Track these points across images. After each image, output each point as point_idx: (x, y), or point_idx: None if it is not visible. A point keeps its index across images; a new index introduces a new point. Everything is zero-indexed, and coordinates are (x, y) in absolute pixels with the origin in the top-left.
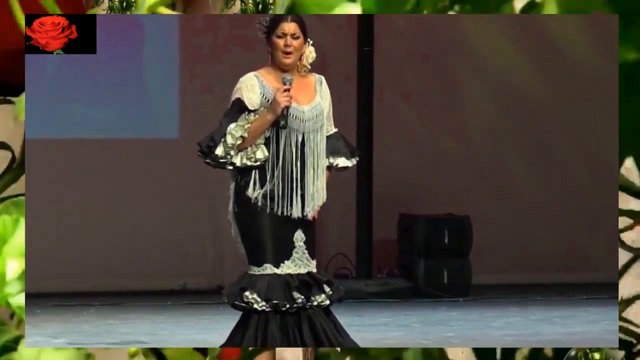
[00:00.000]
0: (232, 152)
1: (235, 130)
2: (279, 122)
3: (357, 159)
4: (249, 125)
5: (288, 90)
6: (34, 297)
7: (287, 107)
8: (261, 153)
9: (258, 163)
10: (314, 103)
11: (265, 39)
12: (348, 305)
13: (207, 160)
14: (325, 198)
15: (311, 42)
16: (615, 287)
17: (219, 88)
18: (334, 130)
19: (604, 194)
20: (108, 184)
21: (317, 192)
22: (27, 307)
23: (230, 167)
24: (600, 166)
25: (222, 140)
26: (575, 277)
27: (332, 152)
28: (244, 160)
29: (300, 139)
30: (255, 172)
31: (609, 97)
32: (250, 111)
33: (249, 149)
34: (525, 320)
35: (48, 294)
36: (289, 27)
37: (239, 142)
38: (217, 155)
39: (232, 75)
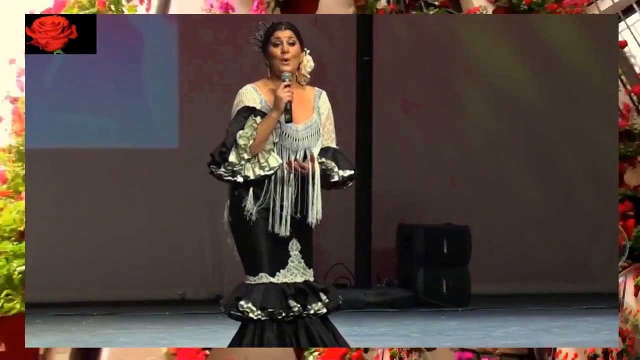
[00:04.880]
0: (245, 156)
1: (245, 133)
2: (284, 117)
3: (351, 172)
4: (257, 125)
5: (288, 85)
6: (33, 307)
7: (290, 102)
8: (274, 161)
9: (272, 172)
10: (309, 122)
11: (262, 52)
12: (347, 315)
13: (219, 172)
14: (320, 217)
15: (308, 51)
16: (614, 297)
17: (219, 98)
18: (334, 145)
19: (603, 203)
20: (108, 193)
21: (312, 209)
22: (27, 316)
23: (241, 180)
24: (600, 176)
25: (234, 145)
26: (575, 287)
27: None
28: (258, 171)
29: (293, 158)
30: (251, 189)
31: (609, 104)
32: (256, 115)
33: (261, 157)
34: (525, 329)
35: (48, 304)
36: (284, 33)
37: (250, 142)
38: (230, 162)
39: (232, 85)
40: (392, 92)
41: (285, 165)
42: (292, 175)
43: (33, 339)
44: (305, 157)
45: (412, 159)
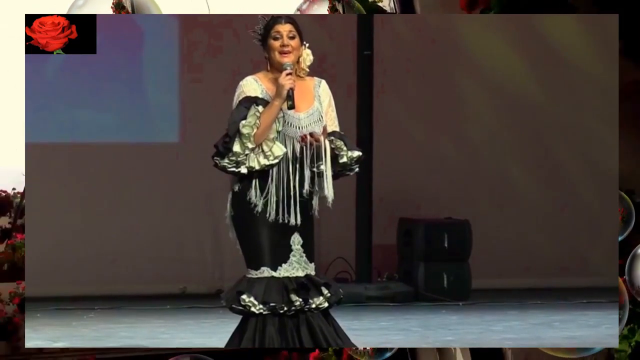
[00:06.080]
0: (249, 145)
1: (248, 122)
2: (286, 104)
3: (359, 152)
4: (259, 114)
5: (290, 73)
6: (34, 301)
7: (292, 89)
8: (279, 149)
9: (276, 161)
10: (311, 110)
11: (261, 45)
12: (348, 309)
13: (223, 163)
14: (332, 195)
15: (307, 44)
16: (615, 290)
17: (220, 92)
18: (338, 130)
19: (603, 197)
20: (108, 188)
21: (326, 187)
22: (27, 310)
23: (245, 171)
24: (600, 170)
25: (237, 134)
26: (575, 281)
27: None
28: (262, 161)
29: (297, 146)
30: (256, 179)
31: (609, 101)
32: (258, 104)
33: (265, 146)
34: (525, 324)
35: (48, 298)
36: (284, 27)
37: (254, 131)
38: (234, 152)
39: (232, 78)
40: (393, 87)
41: (296, 141)
42: (305, 156)
43: (33, 333)
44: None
45: (412, 154)
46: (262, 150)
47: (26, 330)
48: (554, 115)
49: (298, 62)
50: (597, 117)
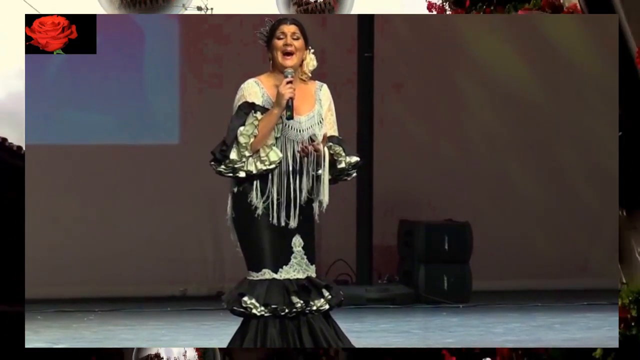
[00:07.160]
0: (246, 153)
1: (246, 130)
2: (285, 114)
3: (357, 158)
4: (258, 122)
5: (290, 82)
6: (34, 303)
7: (292, 99)
8: (275, 155)
9: (273, 166)
10: (312, 113)
11: (266, 46)
12: (348, 311)
13: (220, 169)
14: (327, 200)
15: (312, 50)
16: (615, 293)
17: (220, 94)
18: (337, 135)
19: (604, 200)
20: (108, 190)
21: (323, 193)
22: (28, 312)
23: (243, 175)
24: (601, 172)
25: (235, 142)
26: (576, 283)
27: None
28: (259, 166)
29: (297, 149)
30: (257, 182)
31: (609, 101)
32: (256, 111)
33: (262, 152)
34: (526, 326)
35: (49, 300)
36: (289, 28)
37: (251, 140)
38: (231, 159)
39: (232, 80)
40: (393, 88)
41: (296, 151)
42: (304, 160)
43: (33, 335)
44: (313, 140)
45: (413, 156)
46: (259, 156)
47: (26, 332)
48: (554, 115)
49: (301, 65)
50: (597, 117)
